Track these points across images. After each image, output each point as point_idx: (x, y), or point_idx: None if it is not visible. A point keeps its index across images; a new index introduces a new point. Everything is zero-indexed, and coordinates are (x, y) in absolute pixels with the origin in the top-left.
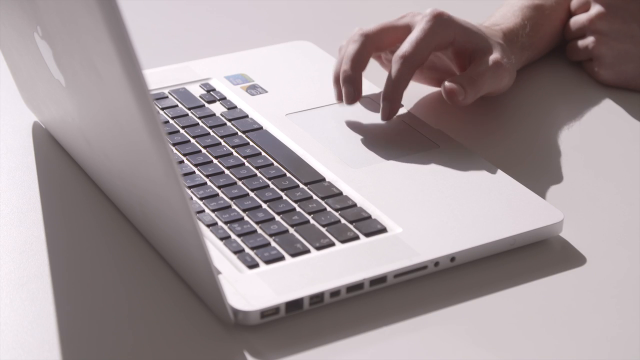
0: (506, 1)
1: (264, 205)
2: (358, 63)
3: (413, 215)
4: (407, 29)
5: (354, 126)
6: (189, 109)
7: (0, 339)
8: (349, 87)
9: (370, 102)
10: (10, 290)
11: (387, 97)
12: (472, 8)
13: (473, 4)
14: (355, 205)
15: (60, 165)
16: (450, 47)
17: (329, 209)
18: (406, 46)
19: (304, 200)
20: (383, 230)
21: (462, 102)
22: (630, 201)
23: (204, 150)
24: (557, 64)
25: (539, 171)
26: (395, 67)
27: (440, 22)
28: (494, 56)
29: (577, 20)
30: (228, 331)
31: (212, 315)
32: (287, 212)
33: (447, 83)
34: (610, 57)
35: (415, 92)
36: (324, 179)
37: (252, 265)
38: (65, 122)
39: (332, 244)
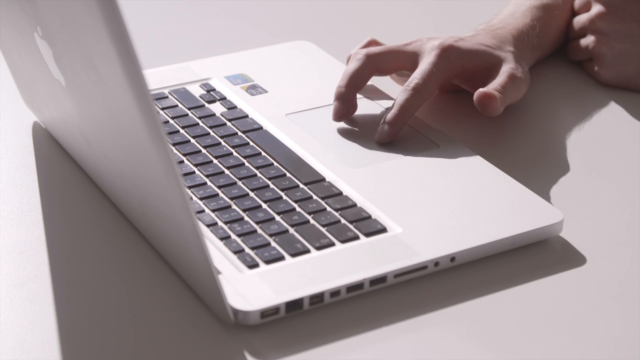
0: (512, 0)
1: (264, 205)
2: (354, 82)
3: (413, 215)
4: (414, 57)
5: (354, 126)
6: (189, 109)
7: (0, 339)
8: (340, 104)
9: (370, 102)
10: (10, 290)
11: (391, 122)
12: (474, 7)
13: (475, 3)
14: (355, 205)
15: (60, 165)
16: (460, 76)
17: (329, 209)
18: (417, 78)
19: (304, 200)
20: (383, 230)
21: (496, 110)
22: (630, 201)
23: (204, 150)
24: (557, 64)
25: (539, 171)
26: (404, 95)
27: (448, 55)
28: (507, 68)
29: (579, 20)
30: (228, 331)
31: (212, 315)
32: (287, 212)
33: (482, 89)
34: (610, 57)
35: None
36: (324, 179)
37: (252, 265)
38: (65, 122)
39: (332, 244)
